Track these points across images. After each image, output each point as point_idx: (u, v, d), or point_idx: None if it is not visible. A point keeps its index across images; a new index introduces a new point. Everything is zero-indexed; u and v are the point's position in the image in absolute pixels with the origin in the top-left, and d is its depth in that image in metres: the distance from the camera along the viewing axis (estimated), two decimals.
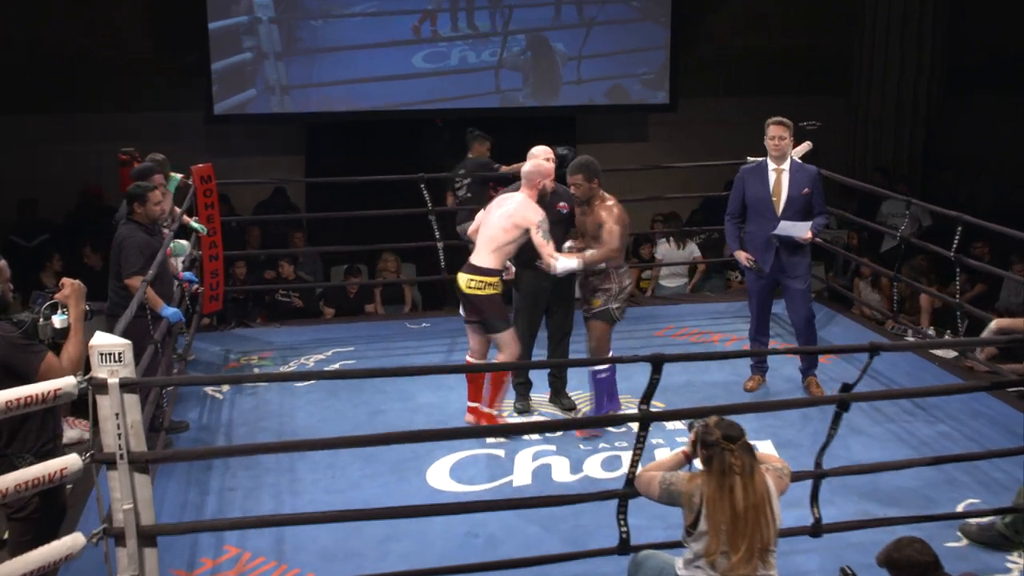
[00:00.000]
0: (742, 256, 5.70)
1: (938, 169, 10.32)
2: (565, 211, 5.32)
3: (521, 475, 4.83)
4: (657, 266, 8.53)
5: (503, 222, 5.05)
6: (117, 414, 3.09)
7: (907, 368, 6.00)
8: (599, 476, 4.80)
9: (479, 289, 5.05)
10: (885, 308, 7.44)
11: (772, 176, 5.62)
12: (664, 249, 8.55)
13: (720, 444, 3.10)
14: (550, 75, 10.08)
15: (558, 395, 5.61)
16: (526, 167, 5.20)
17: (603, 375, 5.20)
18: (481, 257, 5.09)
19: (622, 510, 3.64)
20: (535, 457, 4.99)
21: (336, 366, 6.36)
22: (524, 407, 5.54)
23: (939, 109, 10.36)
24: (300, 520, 3.87)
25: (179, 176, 6.27)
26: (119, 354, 3.07)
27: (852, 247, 8.57)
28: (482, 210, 5.33)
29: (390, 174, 7.79)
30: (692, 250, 8.57)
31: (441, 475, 4.83)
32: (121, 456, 3.12)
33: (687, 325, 7.07)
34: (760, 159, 6.11)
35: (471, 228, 5.36)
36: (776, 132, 5.58)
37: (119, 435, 3.11)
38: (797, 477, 4.14)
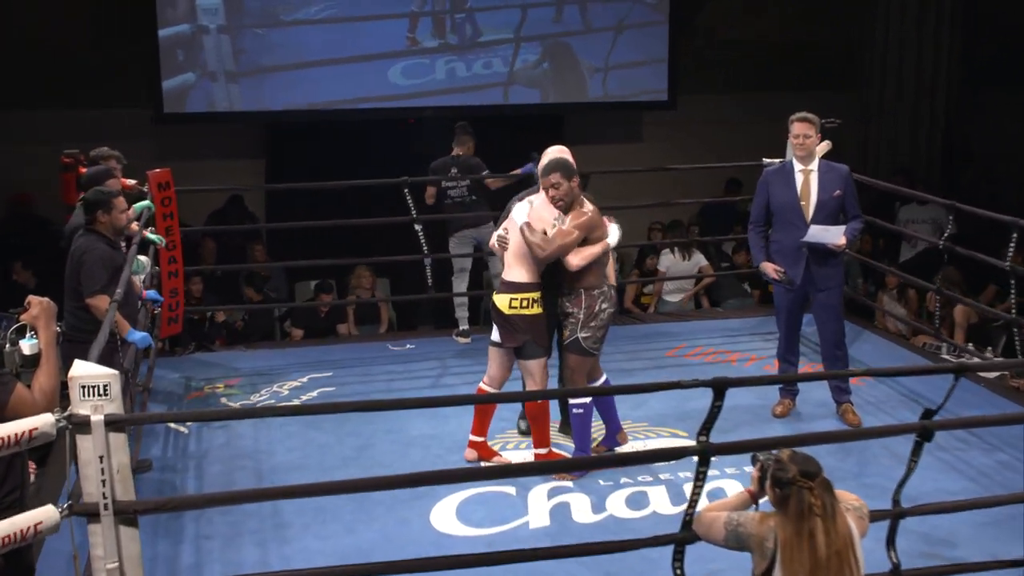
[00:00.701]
0: (770, 268, 5.60)
1: (957, 168, 10.34)
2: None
3: (537, 516, 4.68)
4: (660, 280, 8.42)
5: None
6: (101, 457, 2.87)
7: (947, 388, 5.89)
8: (625, 515, 4.68)
9: (525, 308, 4.90)
10: (912, 322, 7.40)
11: (799, 178, 5.52)
12: (668, 261, 8.44)
13: (797, 482, 2.96)
14: (543, 71, 9.98)
15: (569, 424, 5.44)
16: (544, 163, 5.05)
17: (579, 410, 5.03)
18: (516, 272, 4.93)
19: (678, 557, 3.48)
20: (551, 495, 4.84)
21: (315, 394, 6.20)
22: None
23: (957, 104, 10.40)
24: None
25: (146, 203, 6.06)
26: (104, 387, 2.86)
27: (867, 254, 8.51)
28: (503, 221, 5.17)
29: (363, 178, 7.62)
30: (698, 261, 8.47)
31: (447, 517, 4.67)
32: (106, 506, 2.90)
33: (700, 344, 6.97)
34: (778, 160, 6.03)
35: (492, 240, 5.21)
36: (801, 129, 5.49)
37: (103, 481, 2.89)
38: (873, 518, 4.03)
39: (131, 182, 6.13)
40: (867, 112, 10.60)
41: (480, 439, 5.17)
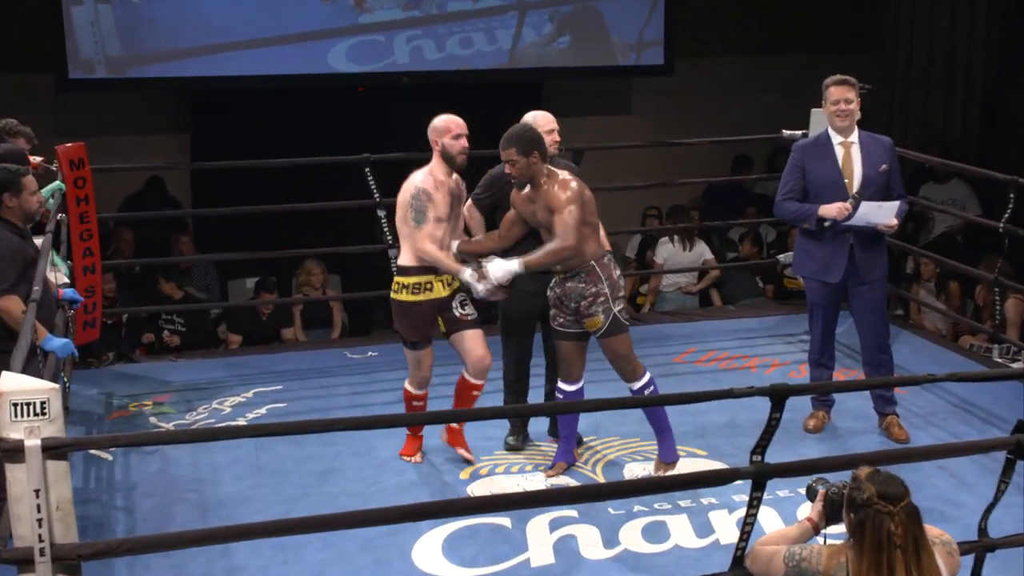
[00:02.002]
0: (833, 208, 5.37)
1: (997, 144, 10.39)
2: None
3: (539, 552, 4.60)
4: (658, 273, 8.38)
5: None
6: (38, 491, 2.72)
7: (1007, 397, 5.91)
8: (643, 550, 4.62)
9: (395, 294, 5.18)
10: (964, 319, 7.41)
11: (839, 152, 5.48)
12: (667, 251, 8.40)
13: (875, 504, 2.90)
14: (507, 31, 9.89)
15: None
16: None
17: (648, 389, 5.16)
18: (402, 254, 5.21)
19: None
20: (553, 527, 4.77)
21: (263, 411, 6.11)
22: (518, 443, 5.48)
23: (997, 70, 10.45)
24: None
25: (57, 184, 5.90)
26: (41, 404, 2.71)
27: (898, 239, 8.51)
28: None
29: (307, 156, 7.54)
30: (702, 251, 8.44)
31: (432, 554, 4.58)
32: (42, 551, 2.75)
33: (713, 347, 6.96)
34: (801, 131, 5.98)
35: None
36: (840, 94, 5.43)
37: (39, 521, 2.75)
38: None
39: (37, 159, 5.95)
40: (891, 79, 10.61)
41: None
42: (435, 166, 5.11)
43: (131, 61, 9.36)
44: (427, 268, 5.08)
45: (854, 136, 5.49)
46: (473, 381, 5.24)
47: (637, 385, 5.12)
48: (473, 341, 5.17)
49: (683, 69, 10.14)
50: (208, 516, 4.92)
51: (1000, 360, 6.83)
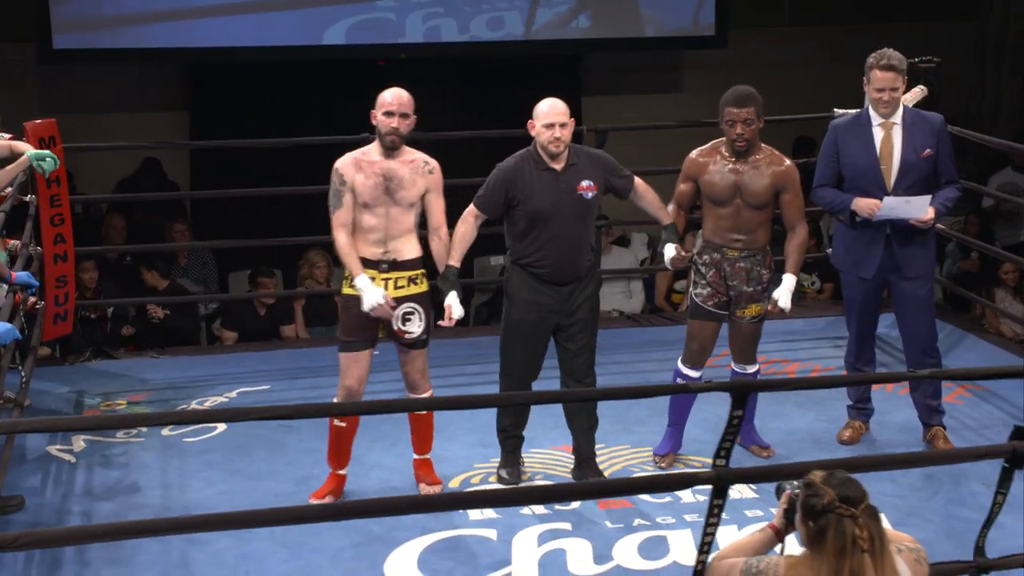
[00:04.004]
0: (864, 205, 5.53)
1: None
2: (591, 195, 5.28)
3: (524, 567, 4.79)
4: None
5: None
6: None
7: None
8: (637, 567, 4.79)
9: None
10: None
11: (878, 134, 5.57)
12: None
13: (836, 509, 3.02)
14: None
15: (582, 466, 5.48)
16: None
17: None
18: None
19: None
20: (542, 540, 4.96)
21: None
22: (512, 475, 5.47)
23: None
24: None
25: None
26: None
27: (973, 236, 8.55)
28: None
29: (323, 135, 7.66)
30: None
31: (406, 568, 4.78)
32: None
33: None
34: (853, 111, 6.08)
35: None
36: (886, 82, 5.50)
37: None
38: (949, 571, 4.12)
39: (5, 136, 6.22)
40: (983, 47, 10.60)
41: (422, 456, 5.47)
42: (372, 146, 5.21)
43: (123, 29, 9.58)
44: (372, 263, 5.17)
45: (897, 116, 5.57)
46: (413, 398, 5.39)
47: (752, 368, 5.66)
48: (409, 365, 5.32)
49: (742, 40, 10.24)
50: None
51: None
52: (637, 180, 5.41)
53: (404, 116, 5.12)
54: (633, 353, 7.08)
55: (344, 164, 5.17)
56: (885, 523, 4.32)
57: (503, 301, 5.45)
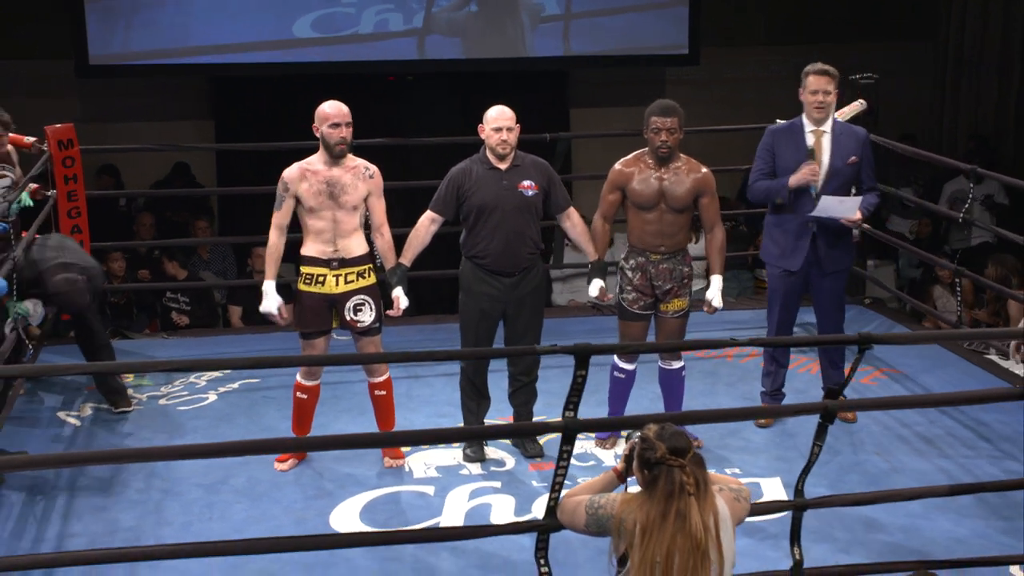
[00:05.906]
0: (801, 173, 5.74)
1: None
2: (531, 192, 5.55)
3: (451, 517, 5.11)
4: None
5: None
6: None
7: (969, 384, 6.30)
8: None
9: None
10: (967, 318, 7.63)
11: (809, 139, 5.83)
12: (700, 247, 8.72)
13: (667, 460, 3.29)
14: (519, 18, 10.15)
15: (523, 439, 5.77)
16: None
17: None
18: None
19: (542, 547, 3.88)
20: (472, 496, 5.28)
21: (236, 386, 6.66)
22: (477, 454, 5.69)
23: None
24: (155, 555, 4.13)
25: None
26: None
27: (926, 241, 8.77)
28: None
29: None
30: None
31: (349, 518, 5.11)
32: None
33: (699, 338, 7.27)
34: (791, 120, 6.35)
35: None
36: (819, 84, 5.76)
37: None
38: (770, 508, 4.53)
39: (30, 140, 6.63)
40: (942, 66, 10.79)
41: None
42: (317, 155, 5.44)
43: (153, 44, 9.94)
44: (323, 261, 5.43)
45: (827, 126, 5.83)
46: (372, 380, 5.63)
47: (678, 364, 5.75)
48: (363, 351, 5.60)
49: (717, 57, 10.40)
50: (152, 480, 5.43)
51: (994, 358, 7.06)
52: (572, 209, 5.69)
53: (349, 125, 5.37)
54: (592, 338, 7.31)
55: (290, 173, 5.41)
56: (779, 491, 4.78)
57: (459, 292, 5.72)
